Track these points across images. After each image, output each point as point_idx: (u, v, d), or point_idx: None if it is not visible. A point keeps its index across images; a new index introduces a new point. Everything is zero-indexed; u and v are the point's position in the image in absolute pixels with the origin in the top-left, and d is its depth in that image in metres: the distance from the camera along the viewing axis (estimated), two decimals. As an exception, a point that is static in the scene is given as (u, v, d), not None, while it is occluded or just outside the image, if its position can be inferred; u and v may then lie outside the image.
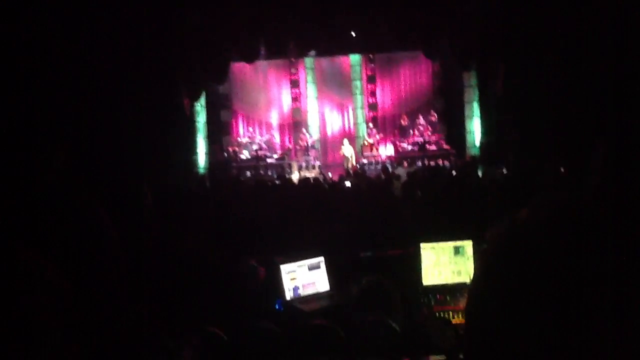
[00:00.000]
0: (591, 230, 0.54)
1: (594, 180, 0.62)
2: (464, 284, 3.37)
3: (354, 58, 18.45)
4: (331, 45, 15.67)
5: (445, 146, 16.93)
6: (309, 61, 18.39)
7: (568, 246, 0.54)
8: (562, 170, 7.67)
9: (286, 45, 15.06)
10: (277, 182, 9.87)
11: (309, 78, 18.77)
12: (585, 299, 0.52)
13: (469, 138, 16.67)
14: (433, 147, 16.86)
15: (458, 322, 2.78)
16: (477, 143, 16.35)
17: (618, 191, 0.59)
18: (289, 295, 3.48)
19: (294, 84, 18.93)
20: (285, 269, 3.54)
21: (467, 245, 3.42)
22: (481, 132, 16.30)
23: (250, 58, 15.76)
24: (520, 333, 0.56)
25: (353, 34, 15.61)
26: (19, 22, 6.68)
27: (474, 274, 0.66)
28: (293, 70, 18.76)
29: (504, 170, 10.10)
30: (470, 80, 16.43)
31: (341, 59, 18.61)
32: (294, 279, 3.54)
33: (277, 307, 3.43)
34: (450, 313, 3.05)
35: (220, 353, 2.16)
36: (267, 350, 2.16)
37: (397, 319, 2.27)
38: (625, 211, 0.52)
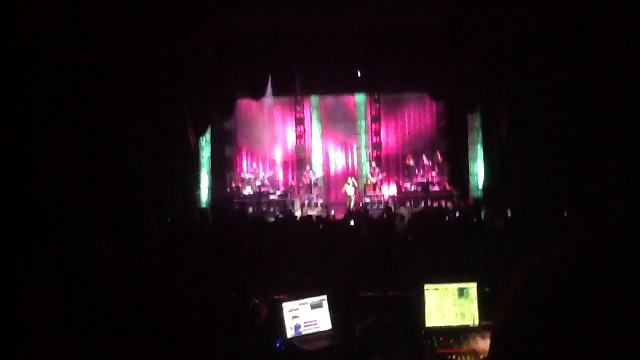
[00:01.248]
0: (621, 281, 0.53)
1: (615, 230, 0.60)
2: (468, 326, 3.33)
3: (359, 97, 18.66)
4: (337, 84, 15.88)
5: (449, 187, 16.96)
6: (314, 99, 18.60)
7: (599, 296, 0.53)
8: (565, 214, 7.66)
9: (292, 83, 15.26)
10: (280, 216, 9.88)
11: (314, 116, 18.95)
12: (611, 347, 0.51)
13: (472, 180, 16.69)
14: (436, 188, 16.89)
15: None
16: (481, 185, 16.36)
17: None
18: (290, 333, 3.44)
19: (299, 121, 19.10)
20: (288, 306, 3.51)
21: (472, 287, 3.39)
22: (484, 175, 16.32)
23: (257, 95, 15.96)
24: None
25: (359, 73, 15.82)
26: (34, 60, 6.81)
27: (499, 321, 0.65)
28: (298, 108, 18.95)
29: (508, 213, 10.07)
30: (475, 122, 16.55)
31: (346, 98, 18.82)
32: (296, 317, 3.51)
33: (278, 345, 3.39)
34: (454, 356, 3.00)
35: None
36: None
37: (403, 359, 2.24)
38: None
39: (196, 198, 15.23)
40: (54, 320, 1.05)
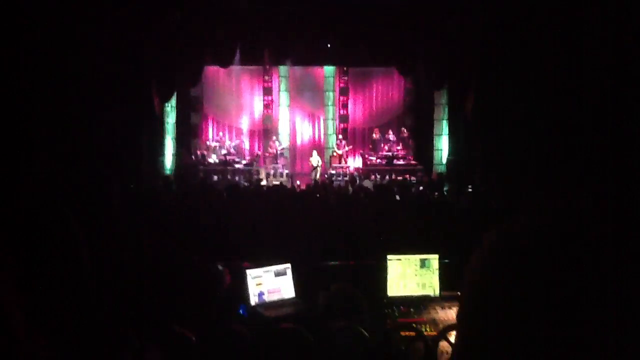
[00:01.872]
0: (593, 241, 0.54)
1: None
2: (429, 296, 3.42)
3: (328, 69, 18.57)
4: (306, 55, 15.73)
5: (413, 162, 17.16)
6: (283, 69, 18.42)
7: (571, 256, 0.54)
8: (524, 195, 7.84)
9: (262, 52, 15.05)
10: (247, 185, 9.85)
11: (282, 86, 18.80)
12: (586, 311, 0.52)
13: (436, 155, 16.90)
14: (401, 162, 17.06)
15: (429, 334, 2.81)
16: (444, 161, 16.60)
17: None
18: (253, 300, 3.46)
19: (267, 91, 18.93)
20: (252, 274, 3.53)
21: (433, 258, 3.48)
22: (448, 151, 16.55)
23: (225, 63, 15.70)
24: (521, 341, 0.56)
25: (329, 45, 15.70)
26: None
27: (469, 285, 0.65)
28: (266, 77, 18.77)
29: (470, 189, 10.26)
30: (441, 99, 16.70)
31: (315, 70, 18.70)
32: (259, 284, 3.53)
33: (241, 312, 3.41)
34: (414, 324, 3.08)
35: (187, 354, 2.14)
36: (236, 352, 2.15)
37: (365, 327, 2.28)
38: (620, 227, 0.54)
39: (160, 165, 15.03)
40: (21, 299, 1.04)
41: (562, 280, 0.53)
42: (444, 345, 2.41)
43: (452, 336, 2.30)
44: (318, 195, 8.38)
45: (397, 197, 7.47)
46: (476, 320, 0.61)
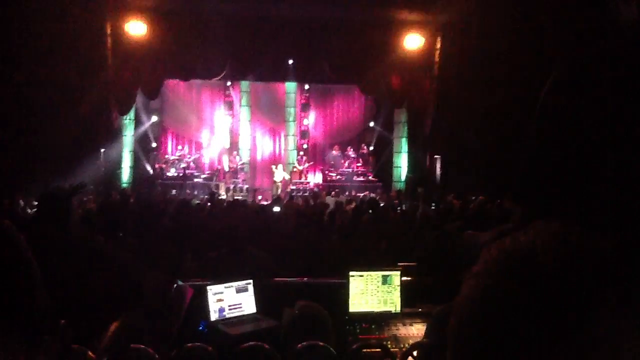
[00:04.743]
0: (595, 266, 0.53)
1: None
2: (390, 312, 3.43)
3: (290, 85, 18.62)
4: (268, 71, 15.72)
5: (373, 178, 17.32)
6: (244, 84, 18.38)
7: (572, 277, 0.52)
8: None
9: (223, 67, 14.99)
10: (206, 199, 9.73)
11: (244, 101, 18.75)
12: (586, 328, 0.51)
13: (395, 172, 17.12)
14: (361, 179, 17.20)
15: (395, 350, 2.82)
16: (403, 177, 16.83)
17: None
18: (214, 316, 3.41)
19: (228, 105, 18.85)
20: (212, 290, 3.48)
21: (395, 275, 3.49)
22: (407, 168, 16.79)
23: (185, 76, 15.59)
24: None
25: (290, 62, 15.76)
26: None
27: (463, 300, 0.59)
28: (227, 92, 18.69)
29: (432, 206, 10.41)
30: (401, 117, 16.97)
31: (277, 85, 18.72)
32: (220, 300, 3.48)
33: (201, 328, 3.36)
34: (375, 341, 3.08)
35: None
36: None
37: (330, 345, 2.27)
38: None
39: (117, 177, 14.77)
40: None
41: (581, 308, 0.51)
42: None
43: (417, 353, 2.31)
44: (278, 210, 8.36)
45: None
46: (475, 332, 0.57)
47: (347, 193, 15.87)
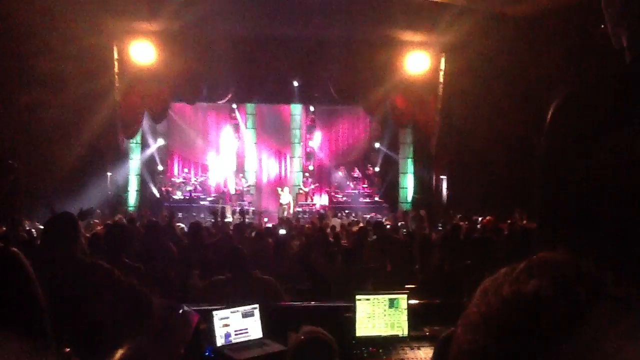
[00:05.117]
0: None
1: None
2: (397, 336, 3.40)
3: (295, 107, 18.70)
4: (273, 93, 15.81)
5: (379, 200, 17.29)
6: (250, 106, 18.48)
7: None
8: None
9: (228, 90, 15.09)
10: (211, 222, 9.73)
11: (249, 123, 18.83)
12: None
13: (401, 193, 17.08)
14: (367, 200, 17.18)
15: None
16: (409, 198, 16.78)
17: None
18: (220, 341, 3.39)
19: (234, 128, 18.94)
20: (218, 315, 3.46)
21: (402, 298, 3.47)
22: (414, 188, 16.75)
23: (191, 99, 15.69)
24: None
25: (295, 83, 15.84)
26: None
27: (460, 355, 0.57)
28: (233, 115, 18.79)
29: (439, 227, 10.37)
30: (407, 137, 16.98)
31: (282, 107, 18.80)
32: (226, 325, 3.46)
33: (207, 353, 3.33)
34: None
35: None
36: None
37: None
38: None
39: (123, 201, 14.81)
40: None
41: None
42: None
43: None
44: (284, 233, 8.34)
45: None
46: None
47: (352, 215, 15.85)
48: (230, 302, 3.51)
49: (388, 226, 9.49)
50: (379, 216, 15.61)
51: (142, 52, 13.30)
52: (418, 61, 14.49)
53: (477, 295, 0.58)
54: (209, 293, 4.34)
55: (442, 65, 14.64)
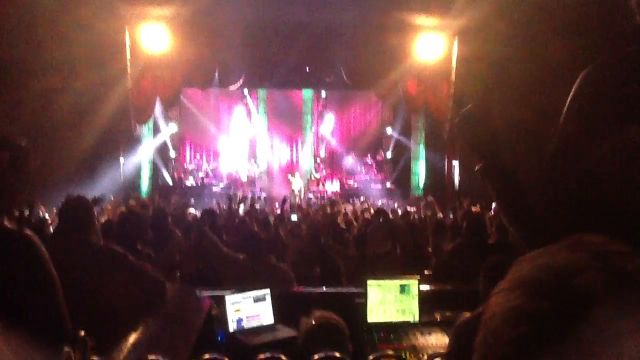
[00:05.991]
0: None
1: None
2: (408, 322, 3.41)
3: (307, 92, 18.65)
4: (284, 78, 15.78)
5: (390, 186, 17.25)
6: (261, 92, 18.46)
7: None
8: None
9: (240, 75, 15.07)
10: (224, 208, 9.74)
11: (261, 109, 18.82)
12: None
13: (413, 179, 17.02)
14: (378, 186, 17.15)
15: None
16: (422, 184, 16.72)
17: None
18: (232, 327, 3.42)
19: (246, 113, 18.93)
20: (230, 300, 3.48)
21: (413, 284, 3.47)
22: (425, 175, 16.69)
23: (203, 85, 15.69)
24: None
25: (307, 68, 15.79)
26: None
27: (494, 318, 0.57)
28: (245, 100, 18.78)
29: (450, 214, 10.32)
30: (419, 123, 16.88)
31: (294, 93, 18.76)
32: (238, 310, 3.48)
33: (219, 339, 3.36)
34: (393, 351, 3.06)
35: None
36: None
37: (347, 355, 2.26)
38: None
39: (136, 187, 14.90)
40: None
41: None
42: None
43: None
44: (296, 219, 8.36)
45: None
46: None
47: (363, 200, 15.84)
48: (241, 287, 3.53)
49: (399, 212, 9.49)
50: (390, 202, 15.60)
51: (154, 37, 13.28)
52: (430, 45, 14.33)
53: (511, 269, 0.58)
54: (230, 262, 4.38)
55: (455, 50, 14.48)
